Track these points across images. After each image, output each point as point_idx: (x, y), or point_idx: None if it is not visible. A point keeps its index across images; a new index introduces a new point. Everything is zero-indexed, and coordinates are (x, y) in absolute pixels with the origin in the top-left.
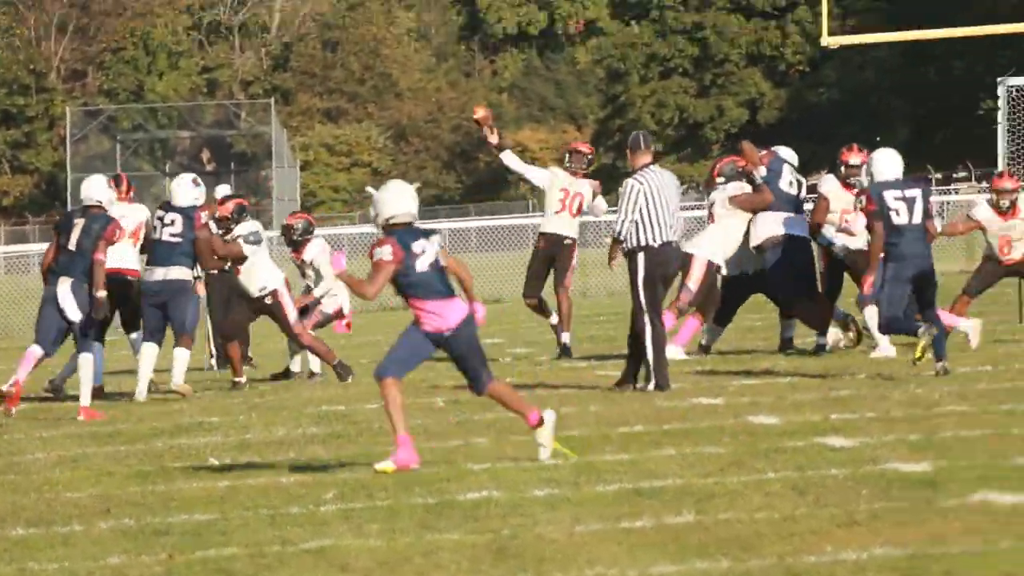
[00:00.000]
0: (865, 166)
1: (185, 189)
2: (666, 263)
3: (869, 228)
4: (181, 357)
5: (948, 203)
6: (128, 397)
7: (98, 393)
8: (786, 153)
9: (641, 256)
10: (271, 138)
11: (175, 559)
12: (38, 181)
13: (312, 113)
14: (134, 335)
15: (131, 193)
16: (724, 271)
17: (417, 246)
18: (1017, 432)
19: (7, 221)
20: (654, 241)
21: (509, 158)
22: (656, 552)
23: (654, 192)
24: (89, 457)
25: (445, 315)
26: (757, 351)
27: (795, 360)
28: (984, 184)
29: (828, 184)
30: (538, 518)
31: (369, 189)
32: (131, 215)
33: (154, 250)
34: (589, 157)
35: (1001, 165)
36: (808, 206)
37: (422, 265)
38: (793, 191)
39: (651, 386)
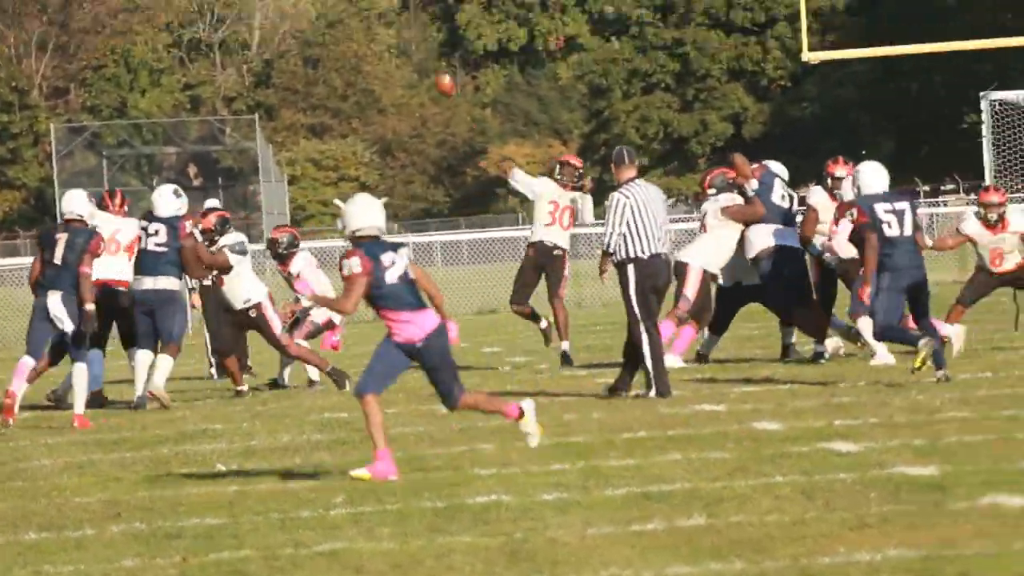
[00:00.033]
0: (851, 179)
1: (167, 199)
2: (655, 275)
3: (853, 241)
4: (164, 363)
5: (937, 215)
6: (128, 405)
7: (97, 397)
8: (777, 167)
9: (631, 268)
10: (256, 153)
11: (189, 562)
12: (26, 196)
13: (296, 129)
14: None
15: (125, 207)
16: (720, 280)
17: (386, 258)
18: (1020, 437)
19: None
20: (643, 253)
21: (518, 178)
22: (669, 554)
23: (640, 205)
24: (95, 463)
25: (418, 323)
26: (756, 359)
27: (794, 368)
28: (972, 196)
29: (816, 196)
30: (548, 521)
31: (336, 202)
32: (126, 228)
33: (140, 260)
34: (580, 171)
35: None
36: (799, 219)
37: (391, 277)
38: (785, 204)
39: (652, 393)
